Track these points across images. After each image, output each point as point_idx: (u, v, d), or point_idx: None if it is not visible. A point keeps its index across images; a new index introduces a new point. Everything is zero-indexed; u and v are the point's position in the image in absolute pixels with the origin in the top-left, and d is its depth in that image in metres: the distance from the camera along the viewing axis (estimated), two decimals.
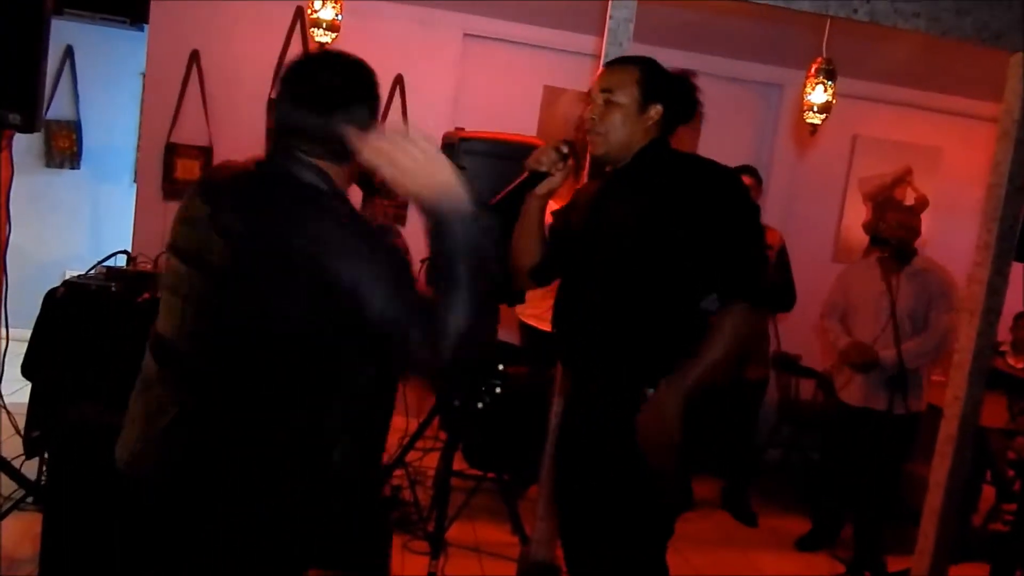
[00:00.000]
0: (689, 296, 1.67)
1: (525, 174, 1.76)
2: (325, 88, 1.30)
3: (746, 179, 3.42)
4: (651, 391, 1.64)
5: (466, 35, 4.26)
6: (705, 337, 1.63)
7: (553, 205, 2.31)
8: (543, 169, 1.75)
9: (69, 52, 4.93)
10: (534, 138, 3.02)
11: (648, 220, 1.65)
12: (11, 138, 2.61)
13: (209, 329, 1.28)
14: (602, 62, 2.72)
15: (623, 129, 1.71)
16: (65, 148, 5.00)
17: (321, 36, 2.86)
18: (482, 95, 4.34)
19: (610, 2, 2.62)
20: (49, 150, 4.98)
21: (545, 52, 4.34)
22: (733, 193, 1.67)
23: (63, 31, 4.77)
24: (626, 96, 1.70)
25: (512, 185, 1.74)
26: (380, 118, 1.38)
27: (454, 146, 2.77)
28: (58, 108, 4.96)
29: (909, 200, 4.72)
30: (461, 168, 2.74)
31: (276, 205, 1.25)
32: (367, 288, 1.17)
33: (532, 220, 1.85)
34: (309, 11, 2.86)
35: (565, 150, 1.75)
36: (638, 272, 1.66)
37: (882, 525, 3.27)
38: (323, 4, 2.81)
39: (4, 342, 2.62)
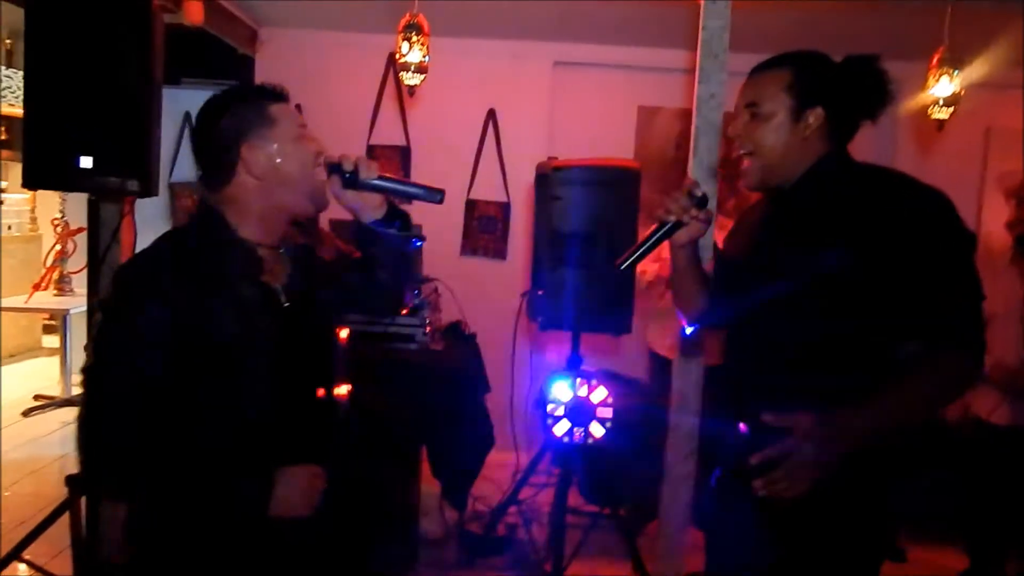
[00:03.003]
0: (879, 342, 1.39)
1: (654, 226, 1.52)
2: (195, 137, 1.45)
3: None
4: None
5: (556, 63, 4.24)
6: (903, 378, 1.35)
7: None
8: (672, 219, 1.49)
9: (187, 118, 5.27)
10: (629, 160, 2.93)
11: (824, 253, 1.37)
12: (133, 203, 2.78)
13: None
14: (697, 77, 2.61)
15: (776, 144, 1.43)
16: (189, 208, 5.33)
17: (411, 79, 2.89)
18: (576, 121, 4.30)
19: (702, 11, 2.52)
20: (174, 211, 5.31)
21: (637, 72, 4.25)
22: (935, 218, 1.36)
23: (181, 98, 5.09)
24: (775, 105, 1.43)
25: (641, 242, 1.50)
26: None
27: (548, 176, 2.73)
28: (181, 171, 5.31)
29: None
30: (556, 199, 2.72)
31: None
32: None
33: (682, 270, 1.62)
34: (397, 55, 2.90)
35: (699, 193, 1.48)
36: (813, 313, 1.40)
37: None
38: (410, 47, 2.85)
39: None
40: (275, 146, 1.38)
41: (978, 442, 3.10)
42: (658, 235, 1.50)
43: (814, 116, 1.43)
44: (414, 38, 2.82)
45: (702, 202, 1.49)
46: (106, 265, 2.68)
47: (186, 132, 5.28)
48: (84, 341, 4.73)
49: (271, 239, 1.43)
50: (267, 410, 1.36)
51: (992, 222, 4.27)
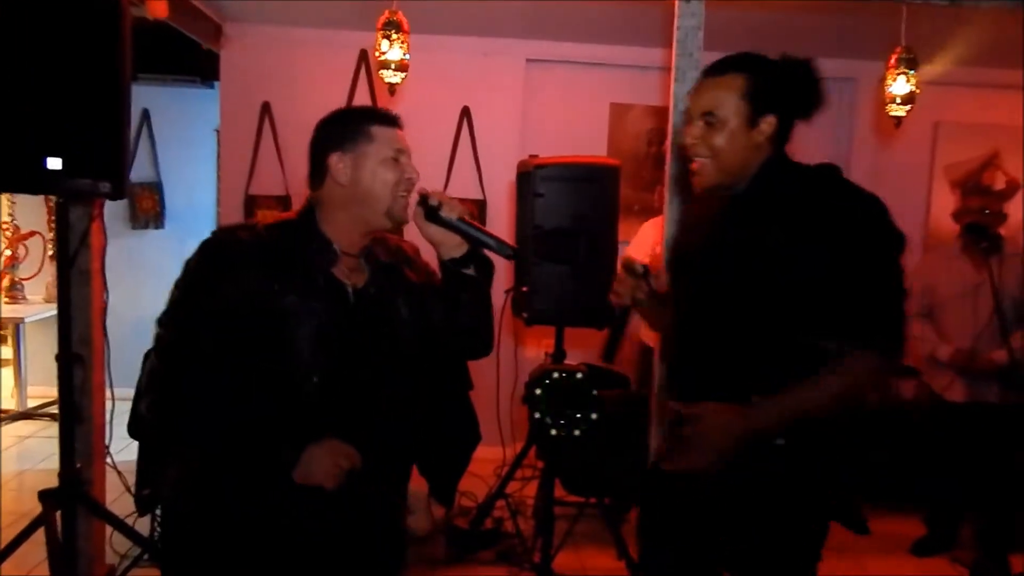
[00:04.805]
0: (805, 338, 1.47)
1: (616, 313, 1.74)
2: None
3: None
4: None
5: (529, 60, 4.26)
6: (813, 375, 1.43)
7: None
8: (628, 302, 1.70)
9: (146, 115, 5.13)
10: (608, 158, 2.98)
11: (765, 251, 1.47)
12: (102, 206, 2.66)
13: None
14: (672, 75, 2.67)
15: (731, 151, 1.48)
16: (149, 209, 5.19)
17: (391, 77, 2.88)
18: (549, 118, 4.33)
19: (676, 10, 2.57)
20: (134, 212, 5.16)
21: (609, 69, 4.31)
22: (862, 219, 1.44)
23: (139, 95, 4.91)
24: (730, 112, 1.47)
25: (610, 335, 1.79)
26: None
27: (530, 174, 2.76)
28: (139, 170, 5.15)
29: (999, 184, 4.48)
30: (539, 196, 2.76)
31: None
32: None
33: (652, 314, 1.79)
34: (376, 53, 2.88)
35: (640, 270, 1.68)
36: (755, 307, 1.49)
37: (1010, 523, 3.08)
38: (390, 45, 2.83)
39: (111, 403, 2.73)
40: (361, 162, 1.48)
41: (935, 418, 3.28)
42: (621, 319, 1.72)
43: (767, 123, 1.49)
44: (394, 35, 2.80)
45: (644, 274, 1.67)
46: (75, 270, 2.55)
47: (144, 130, 5.16)
48: (41, 351, 4.49)
49: (351, 247, 1.52)
50: (313, 388, 1.44)
51: (940, 212, 4.49)
